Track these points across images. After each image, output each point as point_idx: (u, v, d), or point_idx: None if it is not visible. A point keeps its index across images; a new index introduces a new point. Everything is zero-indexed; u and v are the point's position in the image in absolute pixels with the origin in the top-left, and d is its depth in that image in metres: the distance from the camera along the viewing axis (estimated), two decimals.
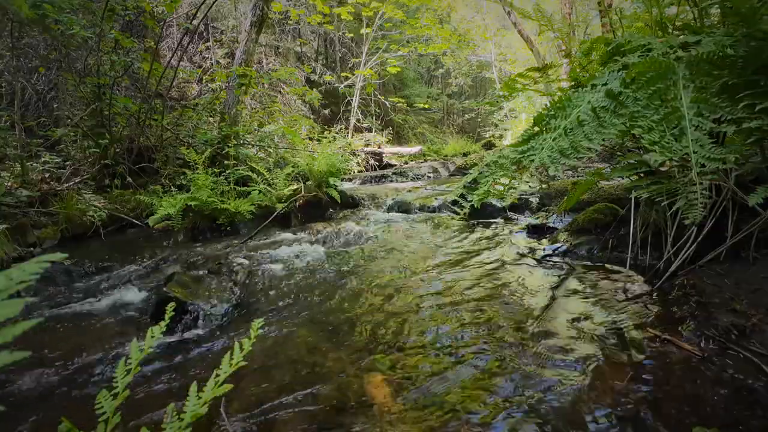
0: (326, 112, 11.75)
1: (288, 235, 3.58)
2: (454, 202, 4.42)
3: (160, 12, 6.06)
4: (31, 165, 4.10)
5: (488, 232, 3.37)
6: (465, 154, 11.89)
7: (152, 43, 5.27)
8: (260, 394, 1.30)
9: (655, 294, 1.79)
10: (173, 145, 4.85)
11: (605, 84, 1.40)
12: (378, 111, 13.14)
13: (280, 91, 10.07)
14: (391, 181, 8.06)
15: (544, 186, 4.52)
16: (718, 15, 1.96)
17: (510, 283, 2.15)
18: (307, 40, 12.08)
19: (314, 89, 8.31)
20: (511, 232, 3.31)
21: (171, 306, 0.94)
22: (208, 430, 1.15)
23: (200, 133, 4.89)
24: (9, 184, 3.53)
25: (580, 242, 2.58)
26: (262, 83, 8.65)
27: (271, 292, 2.26)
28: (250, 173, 4.34)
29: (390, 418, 1.15)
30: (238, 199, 3.92)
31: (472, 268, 2.42)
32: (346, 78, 11.52)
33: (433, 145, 14.05)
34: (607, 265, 2.27)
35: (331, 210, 4.65)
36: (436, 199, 4.85)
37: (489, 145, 12.67)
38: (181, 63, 6.57)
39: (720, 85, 1.38)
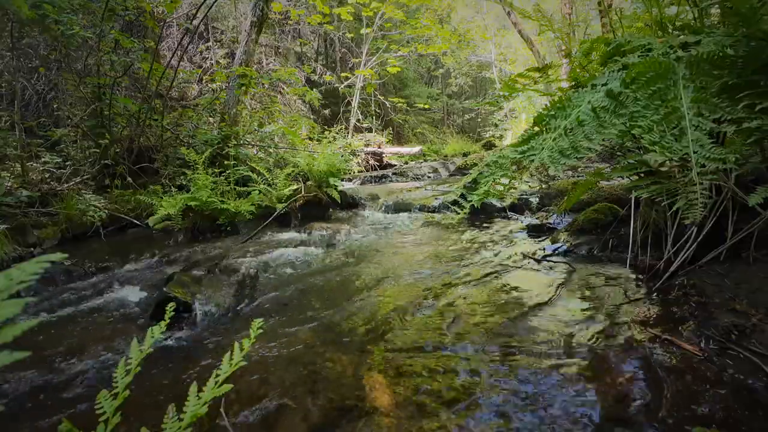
0: (326, 112, 11.75)
1: (288, 235, 3.58)
2: (454, 202, 4.42)
3: (160, 12, 6.06)
4: (31, 165, 4.11)
5: (488, 232, 3.37)
6: (465, 154, 11.87)
7: (152, 43, 5.27)
8: (260, 394, 1.30)
9: (655, 294, 1.79)
10: (173, 146, 4.85)
11: (605, 84, 1.40)
12: (378, 111, 13.14)
13: (280, 91, 10.07)
14: (391, 181, 8.06)
15: (544, 186, 4.52)
16: (718, 15, 1.96)
17: (510, 283, 2.15)
18: (307, 41, 12.08)
19: (314, 89, 8.30)
20: (511, 232, 3.31)
21: (171, 306, 0.94)
22: (208, 430, 1.15)
23: (200, 134, 4.89)
24: (9, 184, 3.53)
25: (580, 242, 2.58)
26: (262, 83, 8.65)
27: (271, 292, 2.26)
28: (250, 173, 4.34)
29: (390, 419, 1.15)
30: (238, 199, 3.92)
31: (472, 268, 2.42)
32: (346, 78, 11.51)
33: (433, 145, 14.04)
34: (607, 265, 2.27)
35: (331, 210, 4.65)
36: (436, 199, 4.84)
37: (489, 145, 12.66)
38: (181, 63, 6.57)
39: (720, 85, 1.38)
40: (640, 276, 2.01)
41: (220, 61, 9.07)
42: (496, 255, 2.67)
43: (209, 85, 8.08)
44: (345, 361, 1.47)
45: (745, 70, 1.34)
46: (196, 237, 3.61)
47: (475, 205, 1.41)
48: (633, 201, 2.19)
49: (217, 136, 4.78)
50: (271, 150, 5.57)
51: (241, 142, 5.18)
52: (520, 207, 4.11)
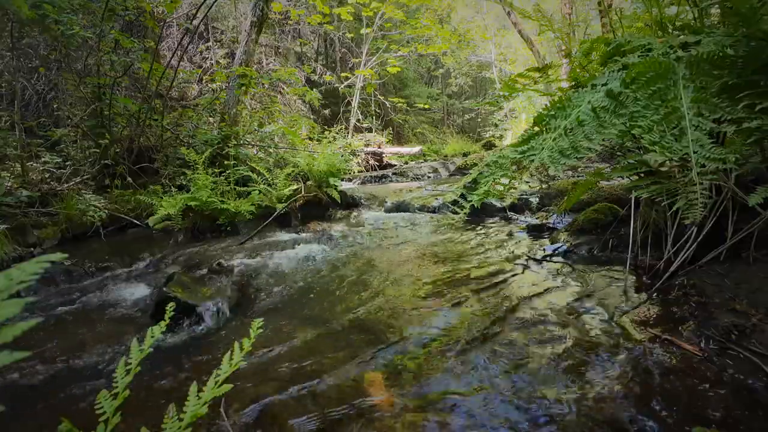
0: (326, 112, 11.75)
1: (288, 235, 3.58)
2: (454, 202, 4.42)
3: (160, 12, 6.06)
4: (31, 165, 4.11)
5: (488, 233, 3.37)
6: (465, 154, 11.87)
7: (152, 43, 5.26)
8: (260, 394, 1.30)
9: (655, 294, 1.79)
10: (173, 145, 4.84)
11: (605, 84, 1.40)
12: (378, 111, 13.14)
13: (280, 91, 10.06)
14: (391, 181, 8.06)
15: (544, 186, 4.52)
16: (718, 15, 1.96)
17: (510, 283, 2.15)
18: (307, 41, 12.07)
19: (314, 89, 8.30)
20: (511, 232, 3.31)
21: (171, 306, 0.94)
22: (208, 430, 1.15)
23: (200, 134, 4.89)
24: (9, 184, 3.53)
25: (580, 242, 2.58)
26: (262, 83, 8.64)
27: (271, 292, 2.26)
28: (250, 173, 4.33)
29: (389, 419, 1.15)
30: (238, 199, 3.92)
31: (472, 268, 2.42)
32: (346, 78, 11.51)
33: (433, 145, 14.04)
34: (607, 265, 2.27)
35: (331, 210, 4.65)
36: (436, 199, 4.84)
37: (489, 145, 12.66)
38: (181, 63, 6.57)
39: (720, 85, 1.38)
40: (640, 276, 2.01)
41: (220, 61, 9.07)
42: (495, 255, 2.67)
43: (209, 85, 8.08)
44: (345, 359, 1.47)
45: (745, 70, 1.34)
46: (196, 237, 3.60)
47: (475, 205, 1.41)
48: (633, 201, 2.19)
49: (217, 136, 4.78)
50: (271, 150, 5.56)
51: (241, 142, 5.18)
52: (520, 207, 4.11)
